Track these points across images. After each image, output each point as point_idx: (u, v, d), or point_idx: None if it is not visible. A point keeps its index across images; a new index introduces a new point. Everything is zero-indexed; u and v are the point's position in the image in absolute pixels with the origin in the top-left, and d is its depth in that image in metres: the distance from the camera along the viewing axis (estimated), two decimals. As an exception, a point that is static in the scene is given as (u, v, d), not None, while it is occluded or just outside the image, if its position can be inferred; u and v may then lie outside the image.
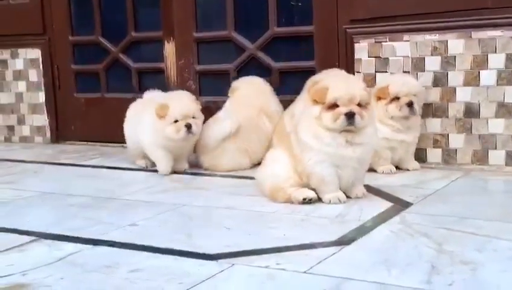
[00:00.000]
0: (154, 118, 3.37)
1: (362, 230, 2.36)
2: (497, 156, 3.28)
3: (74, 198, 3.05)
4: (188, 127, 3.32)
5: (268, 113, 3.60)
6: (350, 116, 2.63)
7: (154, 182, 3.33)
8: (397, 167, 3.37)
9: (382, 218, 2.50)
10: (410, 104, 3.23)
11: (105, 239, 2.37)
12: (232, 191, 3.07)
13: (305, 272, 1.95)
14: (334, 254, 2.11)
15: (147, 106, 3.54)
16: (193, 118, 3.36)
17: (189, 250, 2.20)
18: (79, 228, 2.53)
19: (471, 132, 3.34)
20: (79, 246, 2.30)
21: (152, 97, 3.70)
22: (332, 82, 2.72)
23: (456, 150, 3.38)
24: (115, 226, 2.54)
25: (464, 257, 2.01)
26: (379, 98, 3.28)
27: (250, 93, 3.65)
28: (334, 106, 2.66)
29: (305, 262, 2.02)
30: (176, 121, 3.33)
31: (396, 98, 3.25)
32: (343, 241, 2.24)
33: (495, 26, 3.23)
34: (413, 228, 2.34)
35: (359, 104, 2.67)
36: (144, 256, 2.17)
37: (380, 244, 2.20)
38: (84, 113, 4.66)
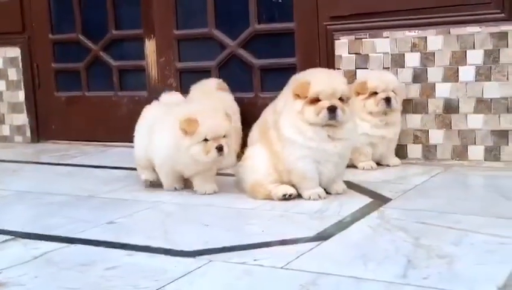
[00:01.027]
0: (176, 133, 2.83)
1: (341, 225, 2.36)
2: (476, 152, 3.30)
3: (53, 197, 3.03)
4: (220, 149, 2.79)
5: None
6: (332, 110, 2.64)
7: (134, 180, 3.31)
8: (378, 163, 3.38)
9: (361, 213, 2.50)
10: (387, 100, 3.24)
11: (82, 237, 2.35)
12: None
13: (282, 267, 1.94)
14: (312, 249, 2.10)
15: (167, 113, 2.99)
16: (224, 136, 2.83)
17: (167, 247, 2.19)
18: (56, 227, 2.51)
19: (450, 128, 3.35)
20: (55, 244, 2.27)
21: (172, 102, 3.20)
22: (314, 77, 2.72)
23: (436, 145, 3.40)
24: (92, 225, 2.52)
25: (440, 250, 2.01)
26: (358, 94, 3.29)
27: (196, 95, 3.66)
28: (316, 100, 2.66)
29: (283, 258, 2.02)
30: (205, 140, 2.80)
31: (374, 93, 3.26)
32: (322, 236, 2.24)
33: (473, 22, 3.25)
34: (391, 223, 2.34)
35: (341, 99, 2.68)
36: (121, 254, 2.15)
37: (357, 239, 2.20)
38: (65, 112, 4.63)
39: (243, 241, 2.22)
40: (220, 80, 3.85)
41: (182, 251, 2.14)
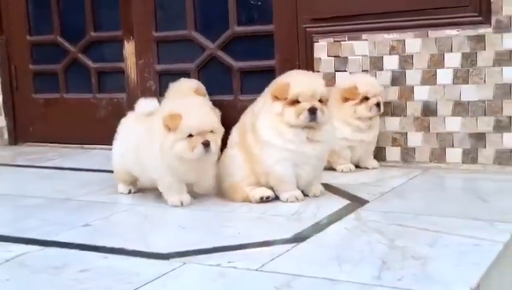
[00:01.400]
0: (160, 131, 2.66)
1: (317, 227, 2.35)
2: (454, 154, 3.31)
3: (29, 199, 3.00)
4: (206, 145, 2.60)
5: None
6: (313, 111, 2.63)
7: (111, 182, 3.28)
8: (357, 166, 3.38)
9: (338, 215, 2.50)
10: (378, 105, 3.25)
11: (57, 240, 2.32)
12: (189, 190, 3.03)
13: (256, 269, 1.93)
14: (287, 251, 2.09)
15: (145, 121, 2.86)
16: (211, 132, 2.66)
17: (142, 249, 2.17)
18: (31, 229, 2.48)
19: (429, 130, 3.36)
20: (29, 247, 2.25)
21: (149, 110, 2.98)
22: (293, 78, 2.72)
23: (414, 148, 3.40)
24: (67, 227, 2.49)
25: (415, 252, 2.01)
26: (346, 99, 3.27)
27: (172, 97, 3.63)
28: (295, 101, 2.65)
29: (258, 260, 2.00)
30: (190, 136, 2.62)
31: (365, 99, 3.26)
32: (298, 238, 2.23)
33: (451, 25, 3.26)
34: (368, 225, 2.34)
35: (320, 100, 2.68)
36: (94, 256, 2.13)
37: (333, 241, 2.19)
38: (43, 114, 4.59)
39: (219, 243, 2.20)
40: (199, 84, 3.81)
41: (156, 254, 2.12)
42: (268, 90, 2.78)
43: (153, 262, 2.04)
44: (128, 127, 2.97)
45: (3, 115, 4.69)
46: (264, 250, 2.12)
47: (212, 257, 2.06)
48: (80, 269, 2.00)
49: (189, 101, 2.85)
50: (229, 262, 2.01)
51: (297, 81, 2.68)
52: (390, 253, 2.02)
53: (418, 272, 1.85)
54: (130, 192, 3.01)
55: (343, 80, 3.45)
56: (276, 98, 2.69)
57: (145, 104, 3.07)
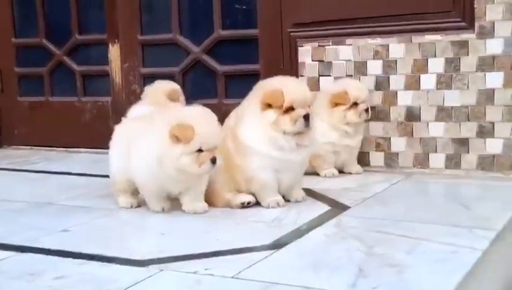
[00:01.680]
0: (164, 140, 2.51)
1: (297, 233, 2.35)
2: (437, 159, 3.31)
3: (10, 204, 2.98)
4: (213, 161, 2.52)
5: None
6: (307, 118, 2.63)
7: (95, 187, 3.27)
8: (340, 171, 3.38)
9: (318, 221, 2.49)
10: (367, 110, 3.26)
11: (34, 246, 2.30)
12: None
13: (232, 277, 1.92)
14: (265, 258, 2.09)
15: (138, 123, 2.77)
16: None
17: (120, 256, 2.15)
18: (9, 235, 2.46)
19: (412, 136, 3.36)
20: (5, 253, 2.23)
21: (144, 115, 2.89)
22: (285, 85, 2.68)
23: (397, 153, 3.40)
24: (46, 232, 2.47)
25: (393, 259, 2.01)
26: (335, 104, 3.26)
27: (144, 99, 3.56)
28: (290, 109, 2.63)
29: (234, 267, 2.00)
30: (199, 151, 2.51)
31: (355, 104, 3.25)
32: (277, 245, 2.22)
33: (435, 30, 3.27)
34: (347, 232, 2.34)
35: (308, 106, 2.68)
36: (71, 263, 2.11)
37: (312, 248, 2.19)
38: (28, 117, 4.57)
39: (197, 250, 2.19)
40: (174, 87, 3.60)
41: (134, 260, 2.10)
42: (257, 98, 2.70)
43: (130, 269, 2.03)
44: (124, 132, 2.82)
45: (-12, 117, 4.67)
46: (241, 257, 2.11)
47: (189, 264, 2.05)
48: (56, 276, 1.98)
49: (198, 111, 2.61)
50: (205, 269, 2.00)
51: (289, 88, 2.65)
52: (368, 260, 2.02)
53: (394, 280, 1.84)
54: (131, 206, 2.80)
55: (332, 84, 3.43)
56: (268, 106, 2.66)
57: (138, 111, 3.02)
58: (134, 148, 2.66)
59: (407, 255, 2.05)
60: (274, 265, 2.02)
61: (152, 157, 2.54)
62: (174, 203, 2.74)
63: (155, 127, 2.58)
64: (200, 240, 2.34)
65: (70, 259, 2.15)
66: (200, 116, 2.57)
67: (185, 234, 2.42)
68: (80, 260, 2.13)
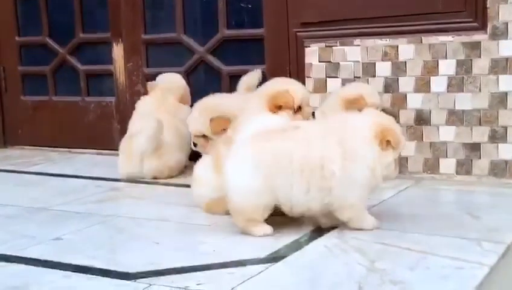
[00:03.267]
0: (374, 148, 2.31)
1: (296, 245, 2.24)
2: (447, 165, 3.18)
3: (3, 208, 2.90)
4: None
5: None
6: (313, 115, 2.69)
7: (93, 191, 3.18)
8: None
9: (320, 232, 2.38)
10: None
11: (22, 256, 2.22)
12: (170, 201, 2.94)
13: (224, 293, 1.83)
14: (260, 272, 1.98)
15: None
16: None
17: (108, 268, 2.06)
18: (-2, 243, 2.38)
19: (422, 140, 3.23)
20: (-8, 263, 2.15)
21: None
22: (288, 86, 2.64)
23: (407, 158, 3.28)
24: (36, 241, 2.39)
25: (395, 275, 1.90)
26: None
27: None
28: (299, 108, 2.60)
29: (228, 282, 1.90)
30: None
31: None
32: (273, 258, 2.11)
33: (446, 31, 3.14)
34: (349, 243, 2.23)
35: None
36: (57, 275, 2.02)
37: (309, 262, 2.08)
38: (32, 117, 4.50)
39: (191, 262, 2.09)
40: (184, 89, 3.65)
41: (122, 273, 2.01)
42: (263, 101, 2.60)
43: (117, 283, 1.94)
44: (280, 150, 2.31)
45: (-9, 117, 4.61)
46: (236, 270, 2.01)
47: (181, 278, 1.96)
48: (40, 290, 1.90)
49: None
50: (197, 284, 1.90)
51: (294, 88, 2.63)
52: (369, 276, 1.91)
53: (394, 300, 1.74)
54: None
55: (346, 87, 3.27)
56: (279, 107, 2.57)
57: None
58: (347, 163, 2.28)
59: (410, 271, 1.93)
60: (269, 281, 1.92)
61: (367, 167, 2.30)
62: (174, 208, 2.64)
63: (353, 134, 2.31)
64: (194, 250, 2.24)
65: (56, 271, 2.06)
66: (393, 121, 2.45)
67: (180, 244, 2.32)
68: (65, 272, 2.04)
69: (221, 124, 2.71)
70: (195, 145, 2.97)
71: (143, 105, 3.59)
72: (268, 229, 2.35)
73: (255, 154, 2.28)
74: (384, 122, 2.38)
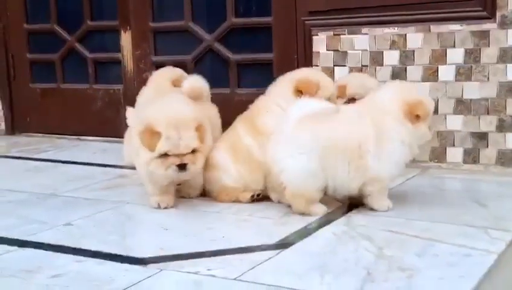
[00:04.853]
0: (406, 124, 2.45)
1: (305, 232, 2.26)
2: (454, 154, 3.19)
3: (13, 194, 2.92)
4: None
5: None
6: None
7: (101, 177, 3.20)
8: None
9: (328, 219, 2.40)
10: None
11: (34, 240, 2.24)
12: (178, 188, 2.95)
13: (235, 278, 1.85)
14: (269, 258, 2.00)
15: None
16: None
17: (119, 253, 2.09)
18: (9, 228, 2.40)
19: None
20: (4, 247, 2.17)
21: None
22: (317, 75, 2.75)
23: (414, 146, 3.28)
24: (48, 226, 2.41)
25: (403, 262, 1.92)
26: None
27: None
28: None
29: (238, 268, 1.92)
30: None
31: (353, 100, 3.13)
32: (282, 244, 2.14)
33: (454, 19, 3.13)
34: (357, 231, 2.24)
35: None
36: (70, 259, 2.05)
37: (319, 248, 2.09)
38: (40, 104, 4.52)
39: (200, 248, 2.12)
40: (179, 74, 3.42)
41: (133, 258, 2.03)
42: (287, 88, 2.65)
43: (129, 267, 1.96)
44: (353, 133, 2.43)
45: (0, 104, 4.61)
46: (245, 257, 2.03)
47: (191, 263, 1.98)
48: (52, 274, 1.92)
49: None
50: (207, 269, 1.92)
51: (322, 77, 2.72)
52: (377, 263, 1.93)
53: (403, 286, 1.75)
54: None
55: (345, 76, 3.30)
56: (300, 92, 2.60)
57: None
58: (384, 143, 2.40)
59: (418, 258, 1.95)
60: (278, 267, 1.94)
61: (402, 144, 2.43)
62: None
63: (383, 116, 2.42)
64: (203, 236, 2.27)
65: (68, 255, 2.09)
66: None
67: (189, 230, 2.35)
68: (78, 257, 2.07)
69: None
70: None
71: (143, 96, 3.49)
72: (325, 208, 2.46)
73: (309, 137, 2.35)
74: (410, 97, 2.44)
